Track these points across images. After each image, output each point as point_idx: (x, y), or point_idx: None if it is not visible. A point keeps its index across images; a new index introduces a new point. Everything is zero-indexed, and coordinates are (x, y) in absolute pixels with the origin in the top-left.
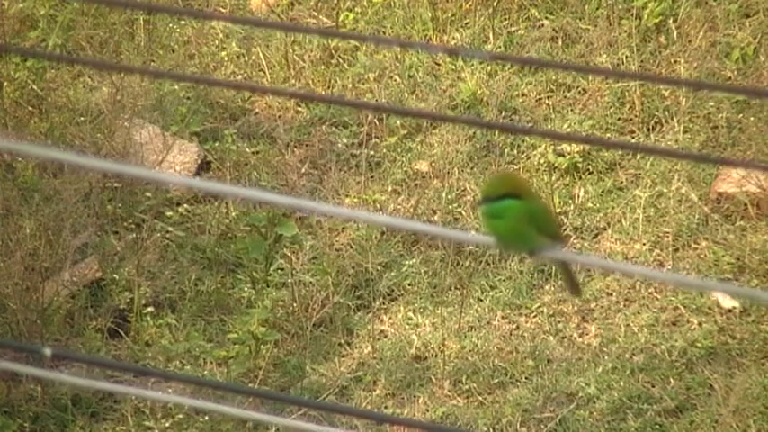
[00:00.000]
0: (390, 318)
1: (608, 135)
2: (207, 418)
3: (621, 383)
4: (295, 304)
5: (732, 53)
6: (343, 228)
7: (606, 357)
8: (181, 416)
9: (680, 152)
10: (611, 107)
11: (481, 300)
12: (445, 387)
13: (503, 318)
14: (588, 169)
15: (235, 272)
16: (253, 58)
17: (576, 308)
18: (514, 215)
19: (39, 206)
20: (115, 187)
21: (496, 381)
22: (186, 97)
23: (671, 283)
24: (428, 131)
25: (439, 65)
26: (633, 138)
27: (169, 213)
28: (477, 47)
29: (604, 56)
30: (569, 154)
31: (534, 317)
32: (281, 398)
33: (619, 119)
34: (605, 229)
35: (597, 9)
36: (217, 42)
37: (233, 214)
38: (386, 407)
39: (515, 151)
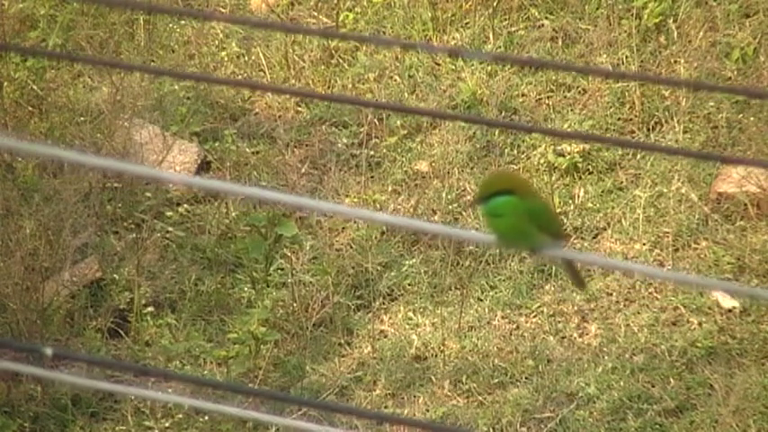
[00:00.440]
0: (390, 318)
1: (608, 135)
2: (207, 418)
3: (621, 383)
4: (295, 304)
5: (732, 53)
6: (343, 228)
7: (606, 357)
8: (180, 416)
9: (682, 150)
10: (611, 107)
11: (481, 300)
12: (445, 387)
13: (503, 318)
14: (588, 169)
15: (235, 272)
16: (253, 58)
17: (576, 308)
18: (509, 211)
19: (39, 206)
20: (115, 187)
21: (496, 381)
22: (186, 97)
23: (671, 281)
24: (428, 131)
25: (439, 65)
26: (633, 138)
27: (169, 213)
28: (477, 47)
29: (604, 56)
30: (569, 154)
31: (534, 317)
32: (281, 397)
33: (619, 119)
34: (605, 229)
35: (597, 9)
36: (217, 42)
37: (233, 214)
38: (386, 407)
39: (515, 151)
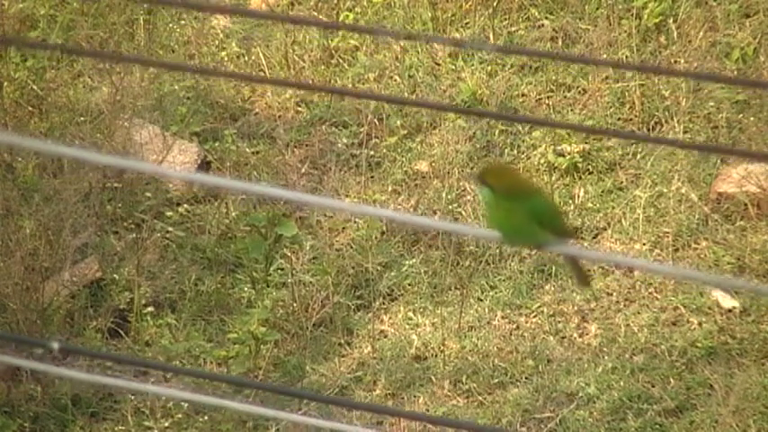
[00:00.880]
0: (390, 318)
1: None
2: (206, 418)
3: (621, 383)
4: (295, 304)
5: (732, 53)
6: (343, 228)
7: (606, 357)
8: (180, 416)
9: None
10: (611, 107)
11: (481, 300)
12: (445, 387)
13: (503, 318)
14: (588, 169)
15: (235, 272)
16: (253, 58)
17: (575, 308)
18: (489, 204)
19: (39, 206)
20: (115, 187)
21: (496, 381)
22: (186, 97)
23: (673, 276)
24: (428, 131)
25: (439, 65)
26: (633, 138)
27: (169, 213)
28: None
29: (604, 56)
30: (569, 154)
31: (534, 317)
32: (284, 391)
33: (619, 119)
34: (605, 229)
35: (597, 9)
36: (217, 42)
37: (233, 214)
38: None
39: (515, 151)
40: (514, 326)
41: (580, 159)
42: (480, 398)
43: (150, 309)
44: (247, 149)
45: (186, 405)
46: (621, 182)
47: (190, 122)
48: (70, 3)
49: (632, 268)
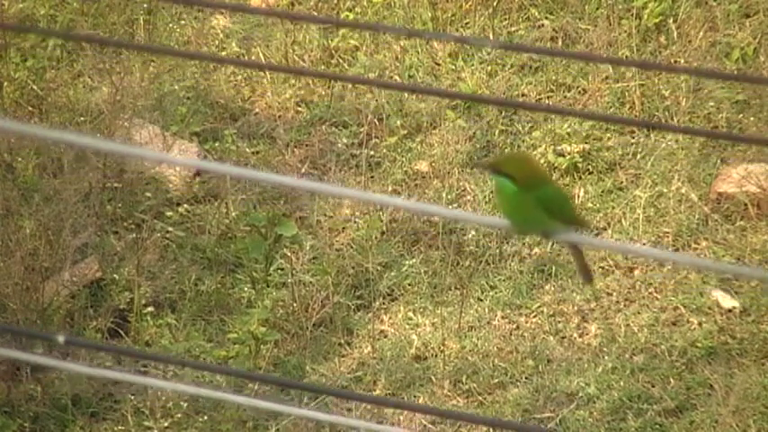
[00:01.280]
0: (390, 318)
1: (608, 135)
2: (206, 417)
3: (621, 383)
4: (295, 304)
5: (732, 53)
6: (343, 228)
7: (606, 357)
8: (180, 416)
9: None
10: (611, 107)
11: (481, 300)
12: (445, 387)
13: (503, 318)
14: (588, 169)
15: (235, 272)
16: (253, 57)
17: (576, 308)
18: (505, 195)
19: (39, 206)
20: (115, 187)
21: (496, 381)
22: (186, 97)
23: (687, 266)
24: (428, 131)
25: (439, 65)
26: (633, 138)
27: (169, 213)
28: (477, 47)
29: (604, 56)
30: (569, 154)
31: (534, 317)
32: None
33: (621, 117)
34: (605, 229)
35: (597, 9)
36: (217, 42)
37: (233, 214)
38: (386, 406)
39: (515, 151)
40: (514, 326)
41: (580, 159)
42: (480, 398)
43: (150, 309)
44: (247, 149)
45: (186, 405)
46: (621, 182)
47: (190, 122)
48: (70, 3)
49: (636, 256)
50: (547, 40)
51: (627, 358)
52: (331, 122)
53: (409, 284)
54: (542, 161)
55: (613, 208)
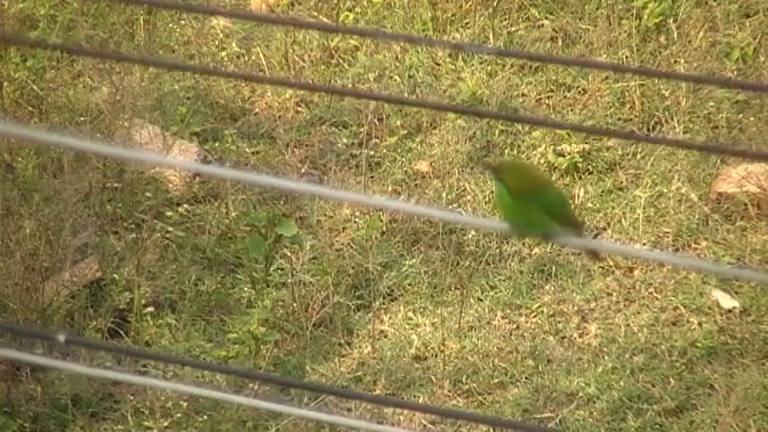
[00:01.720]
0: (390, 318)
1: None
2: (206, 417)
3: (621, 383)
4: (295, 304)
5: (732, 53)
6: (343, 228)
7: (606, 357)
8: (179, 415)
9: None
10: (611, 107)
11: (481, 300)
12: (445, 387)
13: (503, 318)
14: (588, 169)
15: (235, 272)
16: (253, 58)
17: (576, 308)
18: (504, 203)
19: (39, 206)
20: (115, 187)
21: (496, 381)
22: (186, 97)
23: (686, 267)
24: (428, 131)
25: (439, 65)
26: (633, 138)
27: (169, 213)
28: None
29: (604, 56)
30: (569, 154)
31: (534, 317)
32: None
33: (619, 119)
34: (605, 229)
35: (597, 9)
36: (217, 42)
37: (233, 214)
38: (386, 405)
39: (515, 151)
40: (514, 326)
41: (580, 159)
42: (480, 398)
43: (150, 309)
44: (247, 149)
45: (186, 405)
46: (621, 182)
47: (190, 122)
48: (70, 3)
49: (636, 259)
50: (547, 40)
51: (627, 358)
52: (331, 122)
53: (409, 284)
54: (542, 161)
55: (613, 208)
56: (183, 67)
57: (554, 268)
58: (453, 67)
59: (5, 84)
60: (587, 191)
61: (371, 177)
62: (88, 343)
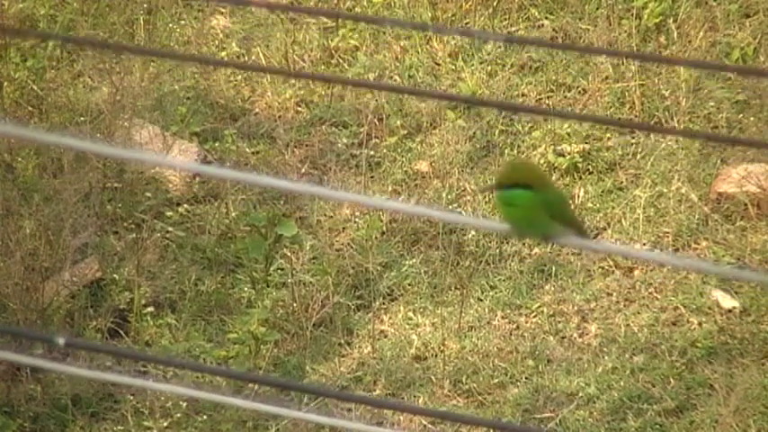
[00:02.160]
0: (390, 318)
1: (608, 135)
2: (206, 417)
3: (621, 383)
4: (295, 304)
5: (732, 53)
6: (343, 228)
7: (606, 357)
8: (179, 416)
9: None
10: (611, 107)
11: (481, 300)
12: (445, 387)
13: (503, 318)
14: (588, 169)
15: (235, 272)
16: (253, 58)
17: (576, 308)
18: (524, 204)
19: (39, 206)
20: (115, 187)
21: (496, 381)
22: (186, 97)
23: (686, 268)
24: (428, 131)
25: (439, 65)
26: (633, 138)
27: (169, 213)
28: (477, 47)
29: (604, 56)
30: (569, 154)
31: (534, 317)
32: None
33: (619, 119)
34: (605, 229)
35: (597, 9)
36: (217, 42)
37: (233, 214)
38: (386, 406)
39: (515, 151)
40: (514, 326)
41: (580, 159)
42: (480, 398)
43: (150, 309)
44: (247, 149)
45: (185, 405)
46: (621, 182)
47: (190, 122)
48: (70, 3)
49: (636, 260)
50: (547, 40)
51: (627, 358)
52: (331, 122)
53: (409, 284)
54: (542, 161)
55: (613, 208)
56: (185, 57)
57: (554, 268)
58: (453, 67)
59: (5, 84)
60: (587, 191)
61: (371, 177)
62: (87, 346)
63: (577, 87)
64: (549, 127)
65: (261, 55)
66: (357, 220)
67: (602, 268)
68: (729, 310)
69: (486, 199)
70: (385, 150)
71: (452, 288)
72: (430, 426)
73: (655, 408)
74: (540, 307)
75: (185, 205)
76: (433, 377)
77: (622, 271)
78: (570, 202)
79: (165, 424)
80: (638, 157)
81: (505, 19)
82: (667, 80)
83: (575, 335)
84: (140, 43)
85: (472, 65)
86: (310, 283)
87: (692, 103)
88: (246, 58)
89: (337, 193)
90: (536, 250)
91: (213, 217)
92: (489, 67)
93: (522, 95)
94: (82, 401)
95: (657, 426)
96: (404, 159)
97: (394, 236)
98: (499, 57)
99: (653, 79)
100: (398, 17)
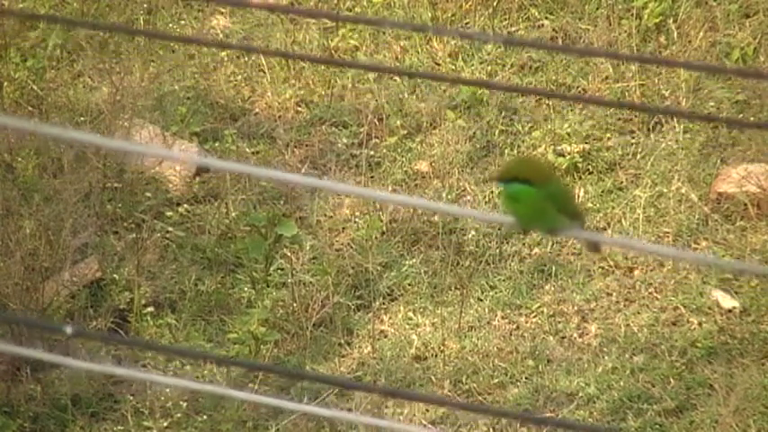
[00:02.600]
0: (390, 318)
1: (608, 135)
2: (206, 417)
3: (621, 383)
4: (295, 304)
5: (732, 53)
6: (343, 228)
7: (606, 357)
8: (179, 415)
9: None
10: (611, 107)
11: (481, 300)
12: (445, 387)
13: (503, 318)
14: (588, 169)
15: (235, 272)
16: (253, 57)
17: (576, 308)
18: (525, 199)
19: (39, 206)
20: (115, 187)
21: (496, 381)
22: (186, 97)
23: (694, 262)
24: (428, 131)
25: (439, 65)
26: (633, 138)
27: (169, 213)
28: (476, 47)
29: (604, 57)
30: (569, 154)
31: (534, 317)
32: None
33: (619, 119)
34: (605, 230)
35: (597, 9)
36: (217, 41)
37: (233, 214)
38: (386, 407)
39: (515, 151)
40: (514, 326)
41: (580, 159)
42: (480, 398)
43: (150, 309)
44: (247, 149)
45: (185, 405)
46: (621, 182)
47: (190, 122)
48: (70, 3)
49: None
50: (547, 40)
51: (627, 358)
52: (331, 122)
53: (409, 284)
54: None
55: (613, 208)
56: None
57: (554, 268)
58: (453, 68)
59: (5, 84)
60: (587, 191)
61: (371, 177)
62: (95, 335)
63: (577, 87)
64: (549, 127)
65: (261, 55)
66: (357, 220)
67: (602, 268)
68: (729, 310)
69: (487, 199)
70: (385, 150)
71: (452, 288)
72: (430, 426)
73: (655, 408)
74: (540, 307)
75: (185, 205)
76: (433, 377)
77: (622, 271)
78: (572, 192)
79: (165, 424)
80: (638, 157)
81: (505, 19)
82: (667, 80)
83: (575, 335)
84: (140, 43)
85: (472, 65)
86: (310, 283)
87: (693, 104)
88: (246, 59)
89: (341, 185)
90: (536, 250)
91: (213, 217)
92: (489, 68)
93: (522, 95)
94: (82, 401)
95: (657, 426)
96: (404, 159)
97: (394, 236)
98: (499, 57)
99: (653, 79)
100: (398, 17)
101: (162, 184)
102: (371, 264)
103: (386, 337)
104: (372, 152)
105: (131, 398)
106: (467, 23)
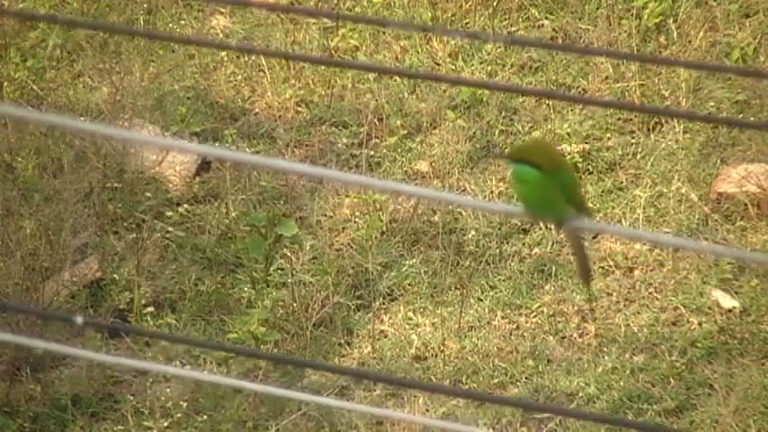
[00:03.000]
0: (390, 318)
1: (608, 135)
2: (206, 417)
3: (621, 383)
4: (295, 304)
5: (732, 53)
6: (343, 228)
7: (606, 357)
8: (179, 415)
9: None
10: (611, 107)
11: (481, 300)
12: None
13: (503, 318)
14: (588, 169)
15: (235, 272)
16: (253, 58)
17: (575, 308)
18: (531, 183)
19: (39, 206)
20: (115, 187)
21: (496, 381)
22: (186, 97)
23: (702, 252)
24: (428, 131)
25: (439, 65)
26: (633, 138)
27: (169, 213)
28: (476, 47)
29: (604, 56)
30: (569, 154)
31: (534, 317)
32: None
33: (619, 119)
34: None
35: (597, 9)
36: (217, 42)
37: (233, 214)
38: (386, 407)
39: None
40: (514, 326)
41: (580, 159)
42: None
43: (150, 309)
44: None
45: (185, 405)
46: (621, 182)
47: (190, 122)
48: (70, 3)
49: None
50: (547, 40)
51: (627, 358)
52: (331, 122)
53: (409, 284)
54: None
55: (613, 208)
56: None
57: (554, 268)
58: (453, 68)
59: (5, 84)
60: (587, 191)
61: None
62: (104, 326)
63: (577, 87)
64: (549, 127)
65: (261, 55)
66: (357, 220)
67: (603, 268)
68: (729, 310)
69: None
70: (385, 150)
71: (452, 288)
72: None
73: (655, 408)
74: (540, 307)
75: (185, 205)
76: (433, 377)
77: (622, 271)
78: (580, 184)
79: (166, 424)
80: (638, 157)
81: (505, 19)
82: (667, 80)
83: (575, 335)
84: (140, 43)
85: (472, 65)
86: (310, 283)
87: (692, 103)
88: (246, 59)
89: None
90: (536, 250)
91: (213, 217)
92: (489, 68)
93: (522, 95)
94: (82, 401)
95: (657, 426)
96: (404, 159)
97: (394, 236)
98: (499, 57)
99: (653, 79)
100: (398, 17)
101: (162, 184)
102: (371, 264)
103: (386, 337)
104: (372, 152)
105: (131, 398)
106: (467, 23)
